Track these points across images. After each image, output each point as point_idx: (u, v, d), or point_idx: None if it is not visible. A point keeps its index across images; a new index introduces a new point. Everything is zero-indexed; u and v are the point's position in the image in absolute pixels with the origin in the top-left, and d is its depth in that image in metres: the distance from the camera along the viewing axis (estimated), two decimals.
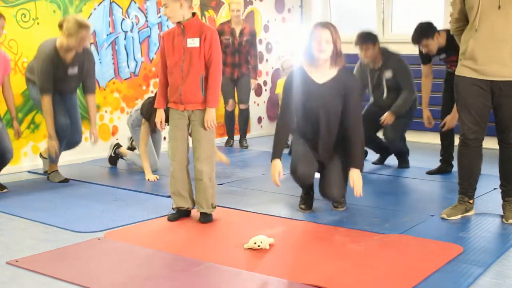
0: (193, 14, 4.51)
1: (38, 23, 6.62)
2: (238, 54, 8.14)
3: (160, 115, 4.69)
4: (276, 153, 4.70)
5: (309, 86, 4.69)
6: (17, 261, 3.90)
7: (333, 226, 4.56)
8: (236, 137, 8.65)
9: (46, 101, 5.71)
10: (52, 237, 4.43)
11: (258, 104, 9.53)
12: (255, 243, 4.04)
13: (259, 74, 9.49)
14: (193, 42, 4.43)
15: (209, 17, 8.60)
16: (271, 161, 4.71)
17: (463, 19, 4.60)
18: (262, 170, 6.74)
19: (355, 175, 4.60)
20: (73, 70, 5.92)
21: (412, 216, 4.71)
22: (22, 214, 5.00)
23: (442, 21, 8.83)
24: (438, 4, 8.89)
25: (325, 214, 4.90)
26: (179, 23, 4.48)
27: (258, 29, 9.40)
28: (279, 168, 4.65)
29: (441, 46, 6.09)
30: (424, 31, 6.03)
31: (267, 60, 9.61)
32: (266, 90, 9.68)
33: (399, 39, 9.22)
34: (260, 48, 9.48)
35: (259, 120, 9.51)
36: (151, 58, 7.84)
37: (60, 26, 5.76)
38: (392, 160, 7.00)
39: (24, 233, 4.59)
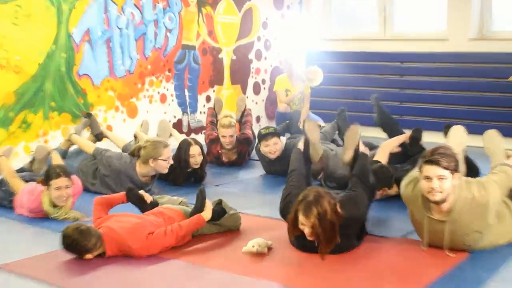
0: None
1: (30, 20, 6.53)
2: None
3: None
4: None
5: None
6: (7, 265, 3.85)
7: None
8: None
9: None
10: (44, 241, 4.38)
11: (256, 103, 9.45)
12: (253, 247, 4.00)
13: (257, 71, 9.45)
14: None
15: (206, 14, 8.55)
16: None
17: None
18: (260, 171, 6.67)
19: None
20: (147, 187, 5.65)
21: None
22: (13, 216, 4.95)
23: (445, 20, 8.79)
24: (440, 1, 8.86)
25: None
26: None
27: (256, 26, 9.36)
28: None
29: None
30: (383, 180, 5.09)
31: (265, 57, 9.55)
32: (264, 88, 9.61)
33: (400, 37, 9.19)
34: (259, 45, 9.42)
35: (258, 119, 9.44)
36: (146, 56, 7.77)
37: (137, 151, 5.55)
38: None
39: (15, 236, 4.55)
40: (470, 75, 8.54)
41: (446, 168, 3.77)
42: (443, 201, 3.84)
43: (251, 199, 5.51)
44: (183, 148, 5.98)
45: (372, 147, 5.82)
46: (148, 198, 4.49)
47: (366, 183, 4.28)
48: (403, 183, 4.17)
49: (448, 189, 3.80)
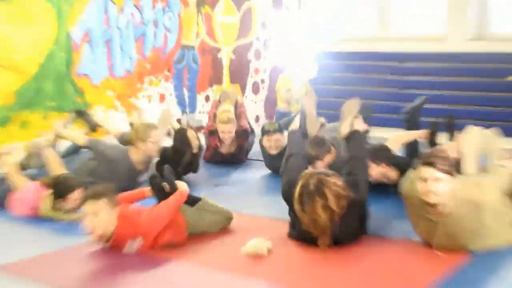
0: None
1: (31, 20, 6.54)
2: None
3: None
4: None
5: None
6: (7, 266, 3.87)
7: None
8: None
9: None
10: (43, 242, 4.41)
11: (255, 102, 9.45)
12: (252, 248, 3.99)
13: (256, 71, 9.46)
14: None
15: (206, 14, 8.56)
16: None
17: None
18: (260, 171, 6.68)
19: None
20: (143, 177, 5.78)
21: None
22: (10, 217, 4.98)
23: (444, 20, 8.80)
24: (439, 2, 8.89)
25: None
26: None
27: (255, 26, 9.35)
28: None
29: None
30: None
31: (264, 57, 9.55)
32: (263, 88, 9.64)
33: (399, 37, 9.22)
34: (258, 45, 9.43)
35: (257, 119, 9.45)
36: (145, 56, 7.80)
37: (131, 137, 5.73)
38: None
39: (14, 236, 4.57)
40: (468, 74, 8.57)
41: (442, 171, 3.81)
42: (439, 203, 3.87)
43: (250, 199, 5.52)
44: (180, 134, 6.15)
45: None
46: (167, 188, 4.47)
47: (364, 165, 4.29)
48: (403, 181, 4.20)
49: (444, 192, 3.83)
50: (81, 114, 6.42)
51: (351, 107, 4.62)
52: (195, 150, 6.16)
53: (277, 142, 6.32)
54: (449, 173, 3.84)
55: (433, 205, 3.89)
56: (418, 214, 4.03)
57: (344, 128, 4.53)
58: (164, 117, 6.85)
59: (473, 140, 4.69)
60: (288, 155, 4.47)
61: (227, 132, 6.85)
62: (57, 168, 5.34)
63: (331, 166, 5.43)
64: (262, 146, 6.58)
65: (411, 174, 4.15)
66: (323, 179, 3.86)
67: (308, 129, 4.71)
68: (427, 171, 3.84)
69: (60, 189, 4.87)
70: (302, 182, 3.90)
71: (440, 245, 3.96)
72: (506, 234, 4.02)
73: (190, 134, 6.19)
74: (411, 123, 6.21)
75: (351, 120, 4.53)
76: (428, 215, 3.96)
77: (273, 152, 6.35)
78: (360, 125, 4.56)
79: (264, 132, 6.42)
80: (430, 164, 3.83)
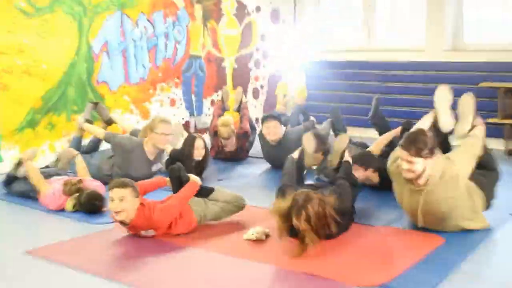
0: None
1: (55, 33, 6.53)
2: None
3: None
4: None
5: None
6: (33, 251, 3.82)
7: None
8: None
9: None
10: (67, 229, 4.38)
11: (255, 106, 9.41)
12: (252, 234, 4.00)
13: (256, 78, 9.41)
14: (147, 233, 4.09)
15: (211, 27, 8.51)
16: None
17: None
18: (259, 167, 6.64)
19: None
20: (157, 167, 5.78)
21: (400, 210, 4.46)
22: (39, 207, 4.92)
23: (422, 33, 8.77)
24: (418, 16, 8.85)
25: None
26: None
27: (255, 38, 9.31)
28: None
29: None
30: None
31: (263, 66, 9.51)
32: (262, 94, 9.58)
33: (382, 48, 9.15)
34: (257, 55, 9.38)
35: (257, 121, 9.37)
36: (157, 65, 7.76)
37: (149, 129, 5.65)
38: None
39: (42, 224, 4.54)
40: (444, 82, 8.28)
41: (416, 155, 3.81)
42: (417, 178, 3.88)
43: (251, 192, 5.46)
44: (189, 140, 5.91)
45: (365, 147, 5.78)
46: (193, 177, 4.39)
47: (351, 183, 4.29)
48: (389, 160, 4.23)
49: (419, 170, 3.84)
50: (96, 106, 6.41)
51: (342, 141, 4.69)
52: (198, 158, 5.85)
53: (274, 128, 6.31)
54: (425, 155, 3.82)
55: (412, 180, 3.91)
56: (403, 187, 4.04)
57: (334, 162, 4.59)
58: (176, 130, 6.75)
59: (445, 97, 4.61)
60: (283, 174, 4.51)
61: (228, 144, 6.89)
62: (83, 174, 5.33)
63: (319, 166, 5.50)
64: (261, 137, 6.53)
65: (395, 153, 4.16)
66: (310, 196, 3.70)
67: (306, 163, 4.83)
68: (402, 153, 3.87)
69: (84, 207, 4.70)
70: (293, 197, 3.76)
71: (422, 217, 3.96)
72: (469, 217, 4.02)
73: (198, 143, 5.86)
74: (380, 126, 6.15)
75: (341, 152, 4.61)
76: (411, 187, 3.97)
77: (272, 138, 6.32)
78: (348, 157, 4.58)
79: (263, 120, 6.46)
80: (404, 148, 3.86)
